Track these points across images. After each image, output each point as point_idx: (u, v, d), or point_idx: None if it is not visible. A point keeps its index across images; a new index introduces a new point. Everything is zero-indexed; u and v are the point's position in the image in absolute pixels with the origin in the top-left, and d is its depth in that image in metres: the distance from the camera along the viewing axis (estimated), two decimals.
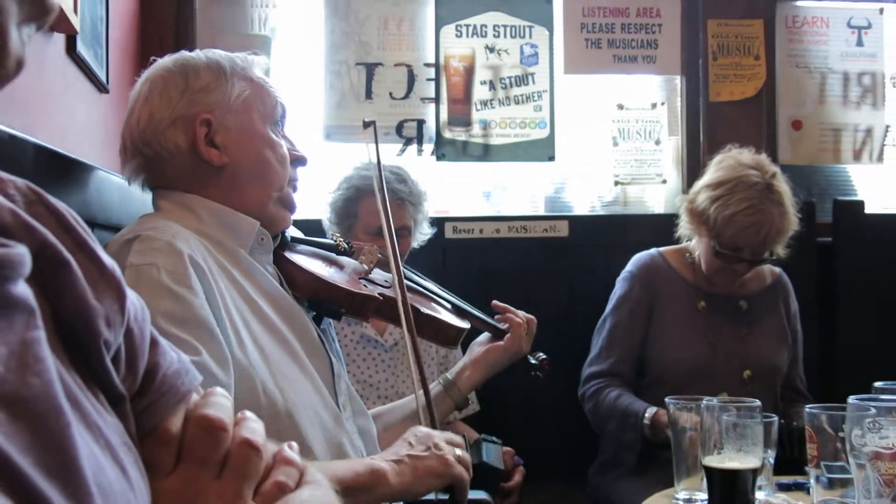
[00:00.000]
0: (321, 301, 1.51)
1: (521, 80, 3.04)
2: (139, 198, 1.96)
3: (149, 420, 0.66)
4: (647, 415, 2.22)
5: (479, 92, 3.03)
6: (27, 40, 0.54)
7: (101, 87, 2.21)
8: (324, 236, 1.97)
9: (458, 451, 1.41)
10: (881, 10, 3.24)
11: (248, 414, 0.71)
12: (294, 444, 0.72)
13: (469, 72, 3.03)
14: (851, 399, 1.35)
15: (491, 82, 3.03)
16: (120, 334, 0.63)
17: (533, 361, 1.91)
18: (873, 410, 1.33)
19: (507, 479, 2.06)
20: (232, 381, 1.23)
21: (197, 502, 0.63)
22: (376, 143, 1.72)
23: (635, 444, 2.25)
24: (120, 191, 1.87)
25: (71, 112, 1.99)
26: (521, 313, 1.85)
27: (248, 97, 1.44)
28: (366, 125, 1.74)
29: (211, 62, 1.45)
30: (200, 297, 1.24)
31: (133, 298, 0.67)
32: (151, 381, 0.67)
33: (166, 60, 1.46)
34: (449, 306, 1.78)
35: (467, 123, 3.01)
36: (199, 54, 1.47)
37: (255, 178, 1.44)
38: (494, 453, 1.95)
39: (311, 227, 1.63)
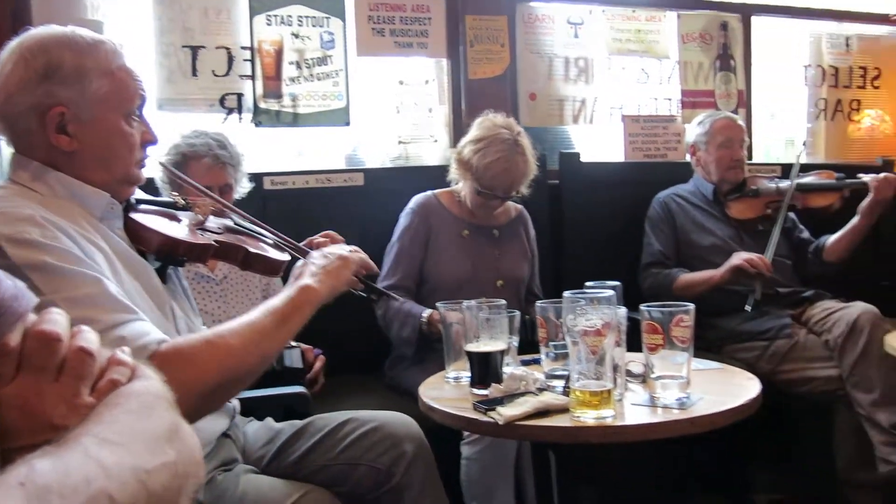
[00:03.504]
0: (165, 253, 1.43)
1: (322, 61, 2.97)
2: None
3: None
4: (423, 315, 2.28)
5: (288, 70, 2.93)
6: None
7: None
8: (158, 193, 1.86)
9: (347, 248, 1.49)
10: (591, 11, 3.40)
11: (84, 327, 0.67)
12: (126, 348, 0.69)
13: (279, 54, 2.92)
14: (566, 293, 1.44)
15: (297, 63, 2.94)
16: None
17: None
18: (582, 301, 1.43)
19: (310, 371, 2.05)
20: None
21: (37, 401, 0.59)
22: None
23: (412, 339, 2.31)
24: None
25: None
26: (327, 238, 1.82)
27: (105, 93, 1.27)
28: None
29: (75, 53, 1.25)
30: (73, 246, 1.16)
31: None
32: None
33: (32, 41, 1.24)
34: (271, 242, 1.74)
35: (279, 96, 2.91)
36: (65, 38, 1.25)
37: (102, 164, 1.30)
38: (294, 356, 1.94)
39: (146, 186, 1.52)
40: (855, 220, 2.84)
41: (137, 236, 1.39)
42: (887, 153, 3.76)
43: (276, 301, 1.30)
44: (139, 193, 1.50)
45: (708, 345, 2.78)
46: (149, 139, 1.39)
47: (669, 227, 2.94)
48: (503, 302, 1.73)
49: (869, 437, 2.41)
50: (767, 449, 2.83)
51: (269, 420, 1.69)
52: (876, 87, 3.96)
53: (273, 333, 1.25)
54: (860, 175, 2.89)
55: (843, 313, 2.54)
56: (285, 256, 1.71)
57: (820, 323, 2.63)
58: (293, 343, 1.98)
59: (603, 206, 3.16)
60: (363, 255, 1.49)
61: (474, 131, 2.45)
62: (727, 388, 1.53)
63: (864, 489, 2.47)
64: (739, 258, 2.66)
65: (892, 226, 3.54)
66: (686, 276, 2.79)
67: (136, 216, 1.42)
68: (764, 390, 1.52)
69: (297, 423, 1.62)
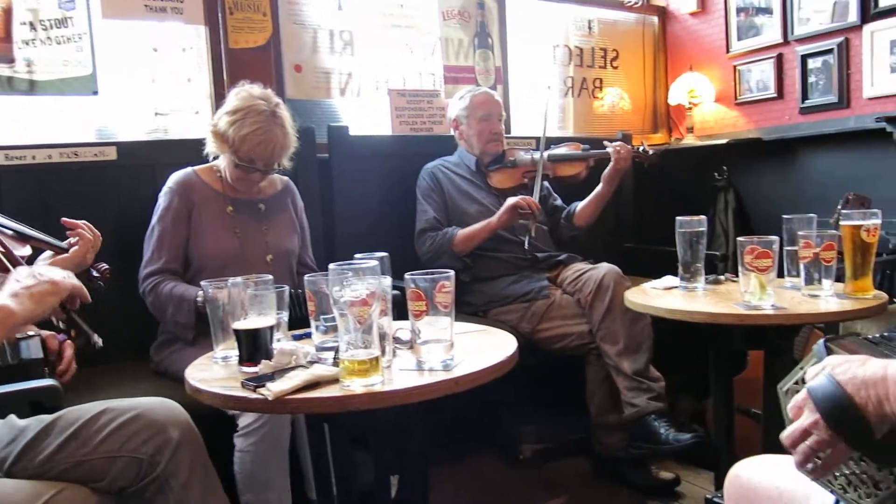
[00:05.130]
0: None
1: (61, 22, 2.70)
2: None
3: None
4: (199, 295, 2.20)
5: (21, 32, 2.63)
6: None
7: None
8: None
9: (62, 272, 1.35)
10: None
11: None
12: None
13: (7, 13, 2.61)
14: (331, 265, 1.45)
15: (31, 24, 2.65)
16: None
17: (96, 274, 1.76)
18: (348, 273, 1.45)
19: (60, 357, 1.88)
20: None
21: None
22: None
23: (190, 323, 2.23)
24: None
25: None
26: (87, 231, 1.69)
27: None
28: None
29: None
30: None
31: None
32: None
33: None
34: (10, 233, 1.56)
35: (11, 60, 2.61)
36: None
37: None
38: (33, 346, 1.77)
39: None
40: (599, 187, 3.14)
41: None
42: (626, 128, 4.19)
43: None
44: None
45: (475, 309, 2.96)
46: None
47: (439, 196, 3.07)
48: (270, 277, 1.70)
49: (616, 383, 2.69)
50: (531, 403, 3.08)
51: (12, 417, 1.54)
52: (615, 68, 4.39)
53: None
54: (605, 143, 3.17)
55: (591, 273, 2.81)
56: (26, 250, 1.55)
57: (572, 283, 2.89)
58: (31, 332, 1.80)
59: (373, 179, 3.22)
60: (77, 284, 1.37)
61: (230, 102, 2.37)
62: (487, 348, 1.64)
63: (613, 430, 2.76)
64: (514, 199, 2.91)
65: (631, 192, 3.97)
66: (464, 231, 2.95)
67: None
68: (526, 348, 1.65)
69: (46, 417, 1.49)
